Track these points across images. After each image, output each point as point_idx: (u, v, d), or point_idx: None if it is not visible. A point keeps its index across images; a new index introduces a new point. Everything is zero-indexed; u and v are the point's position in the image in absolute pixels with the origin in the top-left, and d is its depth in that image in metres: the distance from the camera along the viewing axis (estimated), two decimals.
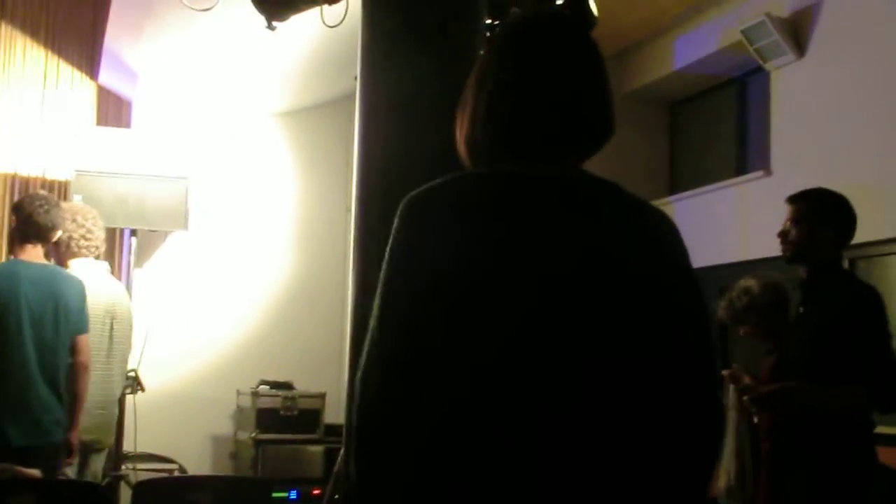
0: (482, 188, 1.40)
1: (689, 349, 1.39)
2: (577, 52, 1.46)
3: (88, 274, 4.27)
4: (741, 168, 6.70)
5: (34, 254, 4.04)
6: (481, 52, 1.53)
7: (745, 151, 6.81)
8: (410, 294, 1.35)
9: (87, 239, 4.34)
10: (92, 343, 4.22)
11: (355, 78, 3.59)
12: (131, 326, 4.56)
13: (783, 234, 3.10)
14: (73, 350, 4.09)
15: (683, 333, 1.39)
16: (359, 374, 1.35)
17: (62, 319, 3.99)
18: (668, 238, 1.44)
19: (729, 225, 6.22)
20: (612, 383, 1.35)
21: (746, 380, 3.24)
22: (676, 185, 7.35)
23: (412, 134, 3.09)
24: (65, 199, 5.78)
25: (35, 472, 3.51)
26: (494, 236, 1.36)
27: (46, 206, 4.05)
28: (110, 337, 4.38)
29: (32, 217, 4.00)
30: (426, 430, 1.33)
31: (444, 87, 3.28)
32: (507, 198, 1.39)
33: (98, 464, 4.48)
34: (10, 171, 6.00)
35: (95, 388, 4.28)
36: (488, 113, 1.45)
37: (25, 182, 6.01)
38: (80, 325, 4.08)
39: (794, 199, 3.12)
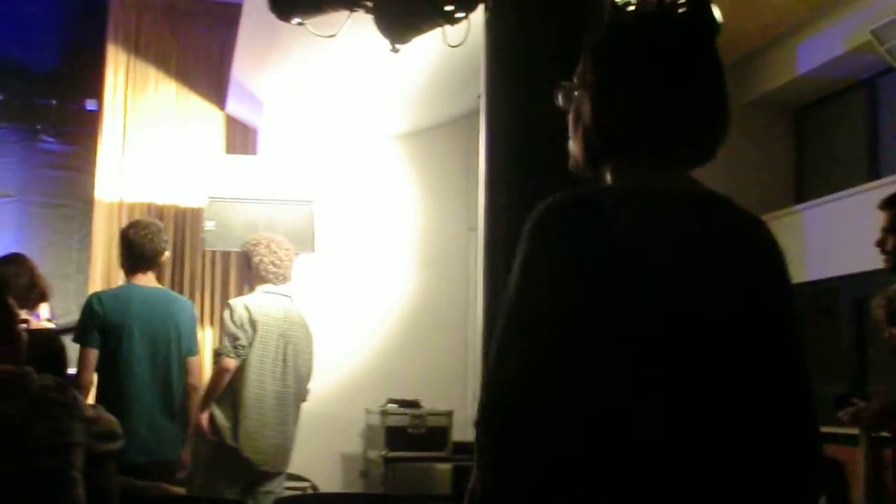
0: (609, 205, 1.38)
1: (794, 391, 1.36)
2: (698, 60, 1.43)
3: (268, 297, 4.45)
4: (873, 172, 6.46)
5: (145, 279, 4.21)
6: (590, 56, 1.49)
7: (876, 155, 6.57)
8: (539, 309, 1.33)
9: (275, 266, 4.55)
10: (264, 365, 4.36)
11: (479, 96, 3.62)
12: (310, 351, 4.67)
13: (880, 244, 2.91)
14: (186, 371, 4.24)
15: (789, 373, 1.36)
16: (482, 389, 1.34)
17: (174, 340, 4.14)
18: (780, 261, 1.41)
19: (863, 231, 6.00)
20: (725, 418, 1.32)
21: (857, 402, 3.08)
22: (804, 193, 7.14)
23: (539, 149, 3.09)
24: (197, 226, 6.00)
25: (180, 490, 3.63)
26: (622, 256, 1.33)
27: (151, 234, 4.23)
28: (284, 360, 4.49)
29: (140, 247, 4.18)
30: (552, 450, 1.31)
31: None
32: (634, 217, 1.36)
33: (274, 485, 4.56)
34: (146, 199, 6.26)
35: (268, 410, 4.40)
36: (603, 123, 1.43)
37: (161, 210, 6.26)
38: (192, 347, 4.22)
39: (886, 205, 2.92)
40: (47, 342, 3.71)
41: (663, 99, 1.39)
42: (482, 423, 1.32)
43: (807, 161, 7.32)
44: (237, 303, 4.48)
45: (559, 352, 1.31)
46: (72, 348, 6.29)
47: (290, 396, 4.54)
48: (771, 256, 1.41)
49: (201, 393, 4.40)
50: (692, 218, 1.38)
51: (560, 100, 1.52)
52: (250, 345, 4.38)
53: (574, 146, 1.49)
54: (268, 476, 4.49)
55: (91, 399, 4.07)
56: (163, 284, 5.45)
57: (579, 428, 1.30)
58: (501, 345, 1.33)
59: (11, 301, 2.34)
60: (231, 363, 4.34)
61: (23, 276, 3.96)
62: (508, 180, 3.41)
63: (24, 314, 3.94)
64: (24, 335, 2.36)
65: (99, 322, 4.03)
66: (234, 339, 4.35)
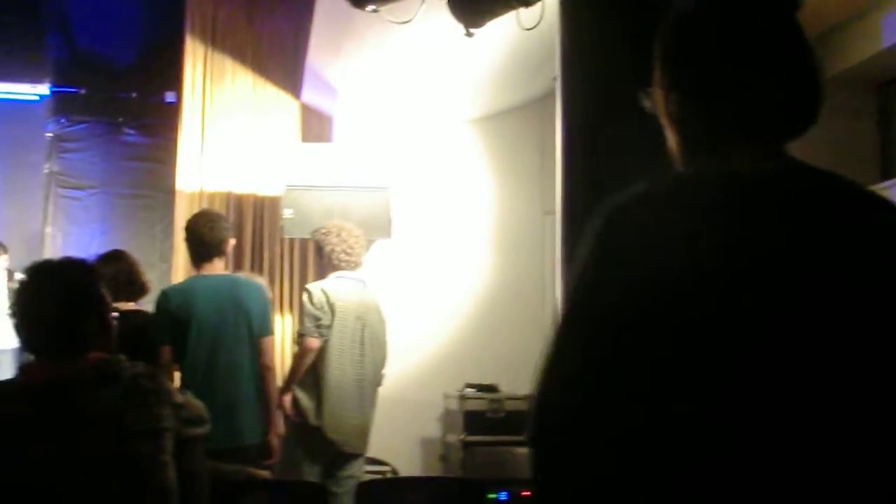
0: (691, 193, 1.31)
1: None
2: (780, 34, 1.35)
3: (342, 282, 4.52)
4: None
5: (211, 267, 4.29)
6: (668, 29, 1.42)
7: None
8: (606, 305, 1.24)
9: (347, 254, 4.63)
10: (341, 345, 4.45)
11: (554, 79, 3.60)
12: (385, 335, 4.75)
13: None
14: (260, 353, 4.30)
15: None
16: (537, 382, 1.26)
17: (245, 325, 4.20)
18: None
19: None
20: (830, 431, 1.19)
21: None
22: (889, 170, 6.95)
23: (616, 130, 3.06)
24: (276, 213, 6.08)
25: (265, 473, 3.71)
26: (706, 249, 1.23)
27: (210, 224, 4.30)
28: (361, 343, 4.58)
29: (202, 237, 4.26)
30: (611, 453, 1.22)
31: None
32: (720, 204, 1.27)
33: (355, 468, 4.64)
34: (225, 189, 6.37)
35: (347, 392, 4.48)
36: (686, 112, 1.37)
37: (239, 199, 6.36)
38: (264, 328, 4.28)
39: None
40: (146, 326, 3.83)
41: (745, 78, 1.32)
42: (535, 433, 1.25)
43: (892, 138, 7.12)
44: (315, 287, 4.56)
45: (629, 358, 1.21)
46: None
47: (367, 379, 4.61)
48: (889, 241, 1.24)
49: (276, 373, 4.46)
50: (791, 204, 1.27)
51: (645, 102, 1.46)
52: (330, 327, 4.46)
53: (669, 141, 1.44)
54: (349, 458, 4.55)
55: None
56: (242, 272, 5.54)
57: (647, 448, 1.20)
58: (562, 345, 1.26)
59: (104, 291, 2.40)
60: (315, 343, 4.43)
61: (125, 270, 4.09)
62: (585, 163, 3.39)
63: (132, 306, 4.08)
64: (116, 325, 2.43)
65: (168, 317, 4.11)
66: (316, 319, 4.44)
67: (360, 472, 4.66)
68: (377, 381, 4.73)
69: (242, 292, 4.28)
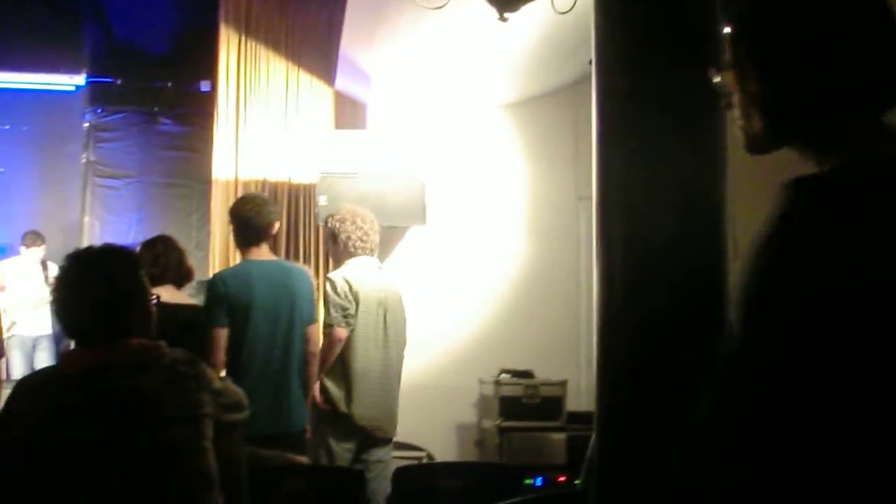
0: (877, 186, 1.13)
1: None
2: None
3: (361, 269, 4.52)
4: None
5: (259, 252, 4.30)
6: (746, 2, 1.30)
7: None
8: (797, 325, 1.06)
9: (363, 241, 4.60)
10: (366, 332, 4.46)
11: (589, 62, 3.57)
12: (404, 318, 4.76)
13: None
14: (306, 339, 4.32)
15: None
16: (695, 427, 1.10)
17: (296, 311, 4.23)
18: None
19: None
20: None
21: None
22: None
23: (653, 114, 3.04)
24: (311, 201, 6.12)
25: (304, 459, 3.74)
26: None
27: (257, 208, 4.31)
28: (384, 327, 4.59)
29: (248, 220, 4.27)
30: None
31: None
32: None
33: (383, 453, 4.66)
34: (261, 177, 6.40)
35: (374, 378, 4.51)
36: (776, 83, 1.24)
37: (274, 187, 6.39)
38: (311, 315, 4.30)
39: None
40: (196, 315, 3.88)
41: (842, 50, 1.20)
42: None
43: None
44: (336, 276, 4.56)
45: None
46: None
47: (392, 363, 4.63)
48: None
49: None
50: None
51: (716, 82, 1.34)
52: (354, 316, 4.46)
53: (750, 125, 1.29)
54: (377, 443, 4.58)
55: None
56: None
57: None
58: (731, 395, 1.06)
59: (144, 276, 2.43)
60: (343, 333, 4.43)
61: (172, 256, 4.12)
62: (620, 147, 3.37)
63: (176, 293, 4.12)
64: (155, 310, 2.45)
65: (225, 302, 4.14)
66: (343, 309, 4.44)
67: (389, 456, 4.69)
68: (401, 364, 4.75)
69: (293, 279, 4.31)
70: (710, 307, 3.40)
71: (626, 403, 3.39)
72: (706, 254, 3.40)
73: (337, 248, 4.63)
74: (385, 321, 4.59)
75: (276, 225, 4.45)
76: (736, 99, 1.31)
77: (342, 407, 4.42)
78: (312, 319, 4.36)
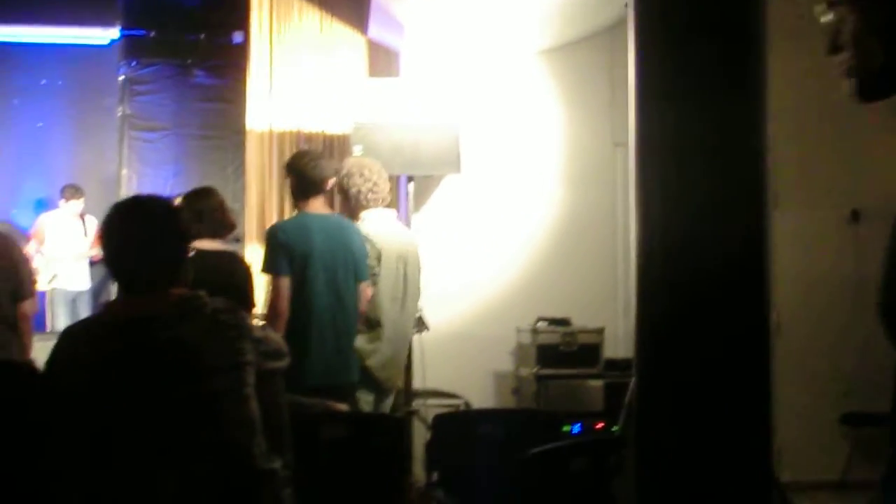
0: None
1: None
2: None
3: (378, 223, 4.50)
4: None
5: (316, 206, 4.31)
6: None
7: None
8: None
9: (373, 192, 4.57)
10: (387, 287, 4.46)
11: (625, 5, 3.52)
12: (420, 269, 4.77)
13: None
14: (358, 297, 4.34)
15: None
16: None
17: (351, 266, 4.24)
18: None
19: None
20: None
21: None
22: None
23: (693, 56, 2.99)
24: (346, 151, 6.10)
25: (343, 407, 3.77)
26: None
27: (314, 162, 4.31)
28: (404, 280, 4.59)
29: (305, 174, 4.27)
30: None
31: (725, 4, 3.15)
32: None
33: (389, 402, 4.73)
34: (295, 128, 6.39)
35: (390, 329, 4.52)
36: None
37: (309, 137, 6.38)
38: (363, 272, 4.32)
39: None
40: (233, 265, 3.89)
41: None
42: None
43: None
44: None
45: None
46: None
47: (408, 316, 4.66)
48: None
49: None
50: None
51: (824, 17, 1.22)
52: (377, 274, 4.46)
53: (867, 63, 1.18)
54: (387, 394, 4.64)
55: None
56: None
57: None
58: None
59: (183, 226, 2.44)
60: (369, 291, 4.42)
61: (215, 207, 4.14)
62: (658, 92, 3.32)
63: (218, 244, 4.15)
64: (191, 261, 2.47)
65: (286, 251, 4.15)
66: (370, 269, 4.44)
67: (389, 406, 4.74)
68: (414, 317, 4.76)
69: (349, 233, 4.31)
70: (750, 253, 3.38)
71: (665, 350, 3.39)
72: (746, 201, 3.37)
73: (349, 203, 4.59)
74: (405, 275, 4.59)
75: (332, 180, 4.45)
76: (849, 36, 1.20)
77: (366, 361, 4.44)
78: (365, 276, 4.35)
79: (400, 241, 4.62)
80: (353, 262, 4.26)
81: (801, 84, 5.60)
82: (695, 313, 3.38)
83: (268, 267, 4.19)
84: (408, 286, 4.60)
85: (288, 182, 4.44)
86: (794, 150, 5.79)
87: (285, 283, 4.12)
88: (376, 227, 4.48)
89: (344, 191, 4.60)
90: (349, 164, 4.69)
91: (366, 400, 4.46)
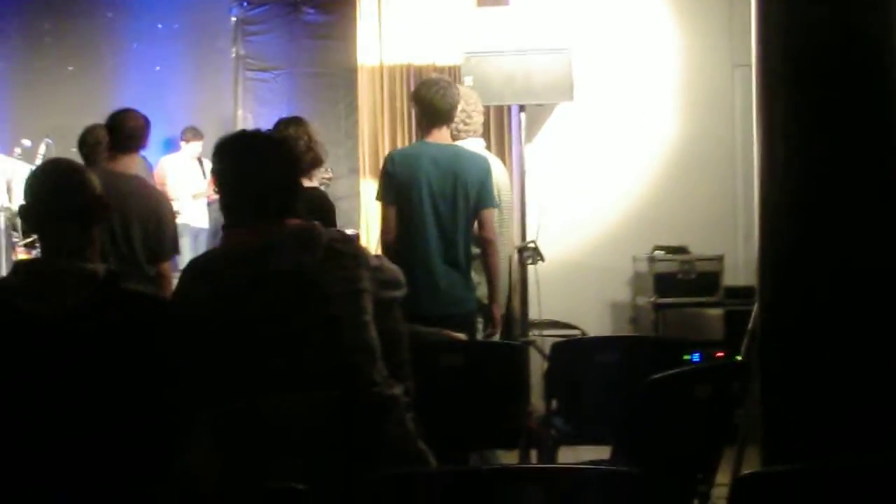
0: None
1: None
2: None
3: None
4: None
5: (439, 135, 4.29)
6: None
7: None
8: None
9: (466, 123, 4.56)
10: None
11: None
12: (510, 197, 4.77)
13: None
14: (480, 225, 4.32)
15: None
16: None
17: (461, 195, 4.22)
18: None
19: None
20: None
21: None
22: None
23: None
24: (456, 83, 6.06)
25: (461, 336, 3.80)
26: None
27: (442, 90, 4.27)
28: (499, 212, 4.58)
29: (433, 102, 4.24)
30: None
31: None
32: None
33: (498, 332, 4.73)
34: (405, 61, 6.38)
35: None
36: None
37: (419, 70, 6.36)
38: (484, 200, 4.29)
39: None
40: (321, 199, 3.93)
41: None
42: None
43: None
44: None
45: None
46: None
47: (505, 243, 4.65)
48: None
49: (497, 246, 4.46)
50: None
51: None
52: None
53: None
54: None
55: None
56: None
57: None
58: None
59: (294, 156, 2.47)
60: (486, 216, 4.40)
61: (301, 138, 4.13)
62: (784, 7, 3.18)
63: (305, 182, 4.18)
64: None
65: (394, 180, 4.18)
66: None
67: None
68: (511, 243, 4.74)
69: (464, 163, 4.29)
70: (878, 175, 3.22)
71: (791, 277, 3.29)
72: (878, 122, 3.21)
73: None
74: (500, 205, 4.56)
75: (459, 110, 4.43)
76: None
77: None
78: (486, 204, 4.32)
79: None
80: (465, 192, 4.24)
81: None
82: (822, 239, 3.25)
83: (377, 195, 4.25)
84: (503, 216, 4.59)
85: (415, 112, 4.42)
86: None
87: (390, 212, 4.18)
88: None
89: None
90: (457, 86, 4.67)
91: (479, 329, 4.47)
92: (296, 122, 4.25)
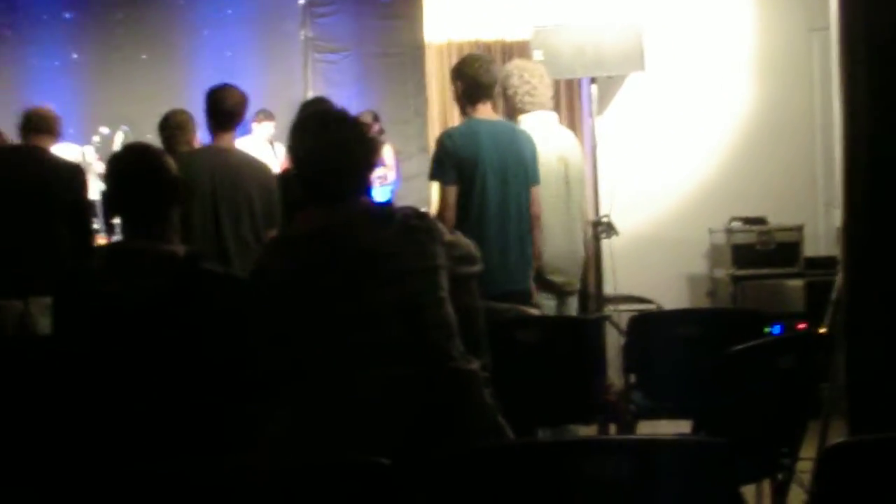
0: None
1: None
2: None
3: (539, 126, 4.44)
4: None
5: (486, 111, 4.26)
6: None
7: None
8: None
9: (531, 95, 4.49)
10: (549, 191, 4.40)
11: None
12: (582, 171, 4.69)
13: None
14: (530, 201, 4.29)
15: None
16: None
17: (521, 171, 4.19)
18: None
19: None
20: None
21: None
22: None
23: None
24: (526, 57, 6.01)
25: (535, 311, 3.77)
26: None
27: (485, 65, 4.25)
28: (566, 182, 4.53)
29: (476, 78, 4.21)
30: None
31: None
32: None
33: (573, 305, 4.70)
34: (473, 38, 6.36)
35: (559, 233, 4.48)
36: None
37: (487, 46, 6.33)
38: (535, 176, 4.26)
39: None
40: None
41: None
42: None
43: None
44: None
45: None
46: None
47: (575, 217, 4.57)
48: None
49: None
50: None
51: None
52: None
53: None
54: (568, 296, 4.61)
55: None
56: None
57: None
58: None
59: (367, 134, 2.47)
60: (533, 192, 4.36)
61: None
62: None
63: None
64: None
65: (453, 159, 4.15)
66: None
67: (574, 309, 4.69)
68: (582, 218, 4.67)
69: (519, 138, 4.27)
70: None
71: (875, 246, 3.20)
72: None
73: (507, 104, 4.52)
74: (567, 175, 4.51)
75: (499, 86, 4.40)
76: None
77: (538, 264, 4.40)
78: (536, 180, 4.30)
79: (559, 144, 4.53)
80: (523, 168, 4.22)
81: None
82: None
83: (433, 174, 4.20)
84: (570, 187, 4.53)
85: (455, 88, 4.39)
86: None
87: (451, 192, 4.12)
88: (534, 129, 4.42)
89: (502, 91, 4.53)
90: (510, 66, 4.63)
91: (548, 305, 4.44)
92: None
